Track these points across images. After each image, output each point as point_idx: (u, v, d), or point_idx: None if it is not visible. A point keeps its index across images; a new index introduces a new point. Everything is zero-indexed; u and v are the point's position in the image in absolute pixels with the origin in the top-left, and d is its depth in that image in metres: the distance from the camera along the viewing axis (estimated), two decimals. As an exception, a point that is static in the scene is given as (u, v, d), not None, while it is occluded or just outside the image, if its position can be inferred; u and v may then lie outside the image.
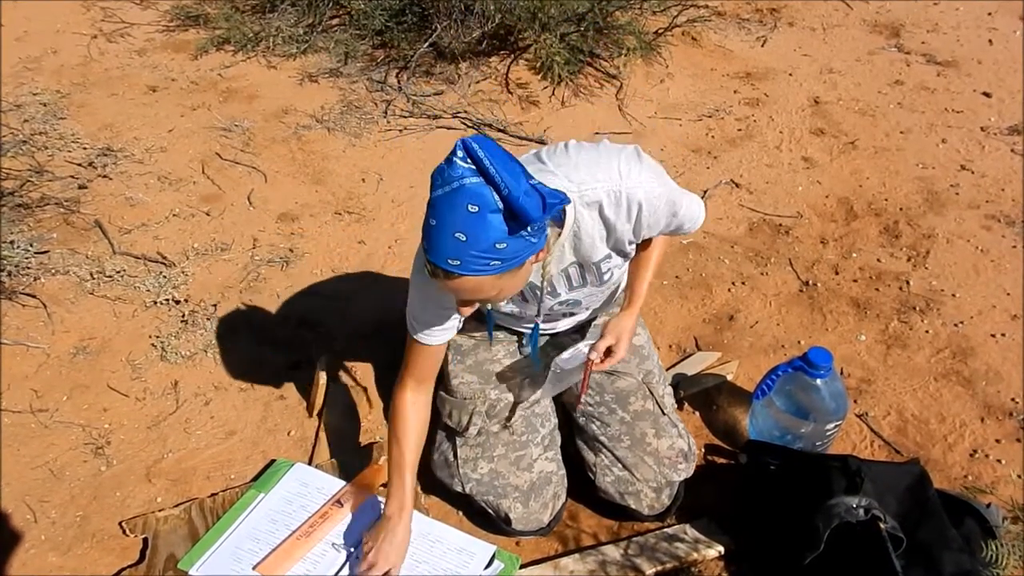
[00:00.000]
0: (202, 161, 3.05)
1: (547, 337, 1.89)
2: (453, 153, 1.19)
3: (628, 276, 1.75)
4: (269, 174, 2.99)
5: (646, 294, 1.73)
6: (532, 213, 1.18)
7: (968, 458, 1.97)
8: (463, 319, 1.60)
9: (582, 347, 1.68)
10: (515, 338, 1.89)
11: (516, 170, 1.19)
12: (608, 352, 1.66)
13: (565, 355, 1.70)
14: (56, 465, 1.95)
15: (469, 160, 1.17)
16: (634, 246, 1.58)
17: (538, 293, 1.60)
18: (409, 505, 1.62)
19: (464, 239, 1.19)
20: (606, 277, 1.61)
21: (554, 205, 1.23)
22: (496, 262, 1.22)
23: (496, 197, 1.17)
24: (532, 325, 1.71)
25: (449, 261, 1.21)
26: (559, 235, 1.43)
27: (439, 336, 1.59)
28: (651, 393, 1.81)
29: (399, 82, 3.50)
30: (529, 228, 1.21)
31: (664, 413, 1.81)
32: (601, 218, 1.46)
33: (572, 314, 1.77)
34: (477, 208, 1.17)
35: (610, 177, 1.41)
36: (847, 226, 2.73)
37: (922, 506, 1.67)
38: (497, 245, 1.20)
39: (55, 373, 2.19)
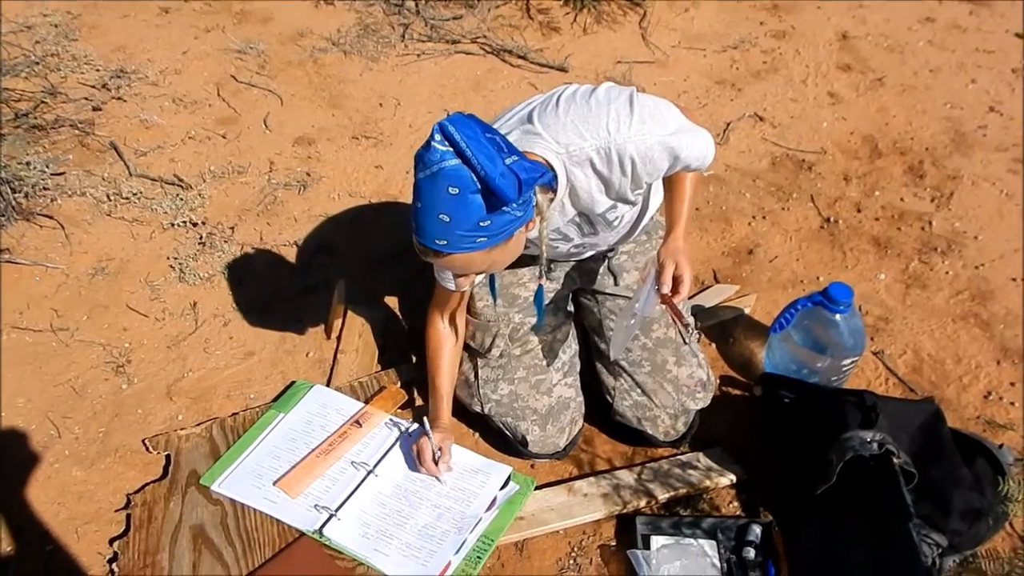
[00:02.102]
0: (217, 83, 3.02)
1: (572, 263, 1.88)
2: (432, 137, 1.20)
3: (665, 199, 1.68)
4: (285, 97, 2.96)
5: (688, 214, 1.62)
6: (508, 194, 1.20)
7: (982, 399, 1.98)
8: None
9: (646, 288, 1.57)
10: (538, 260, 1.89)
11: (491, 152, 1.20)
12: (676, 281, 1.53)
13: (636, 306, 1.59)
14: (78, 383, 1.97)
15: (447, 143, 1.20)
16: (640, 195, 1.56)
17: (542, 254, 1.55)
18: (447, 408, 1.76)
19: (448, 220, 1.22)
20: (615, 224, 1.60)
21: (530, 183, 1.25)
22: (482, 238, 1.25)
23: (475, 178, 1.19)
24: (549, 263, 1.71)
25: (436, 241, 1.26)
26: (551, 200, 1.41)
27: (462, 284, 1.59)
28: (674, 321, 1.81)
29: (417, 5, 3.42)
30: (511, 205, 1.23)
31: (686, 342, 1.82)
32: (595, 173, 1.43)
33: (596, 245, 1.75)
34: (457, 190, 1.20)
35: (598, 135, 1.37)
36: (871, 164, 2.69)
37: (935, 444, 1.68)
38: (481, 223, 1.23)
39: (74, 293, 2.20)
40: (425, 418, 1.72)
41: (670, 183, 1.67)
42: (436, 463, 1.68)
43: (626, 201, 1.53)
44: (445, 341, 1.76)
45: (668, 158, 1.43)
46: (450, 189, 1.20)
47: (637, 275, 1.87)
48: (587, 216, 1.55)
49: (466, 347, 1.85)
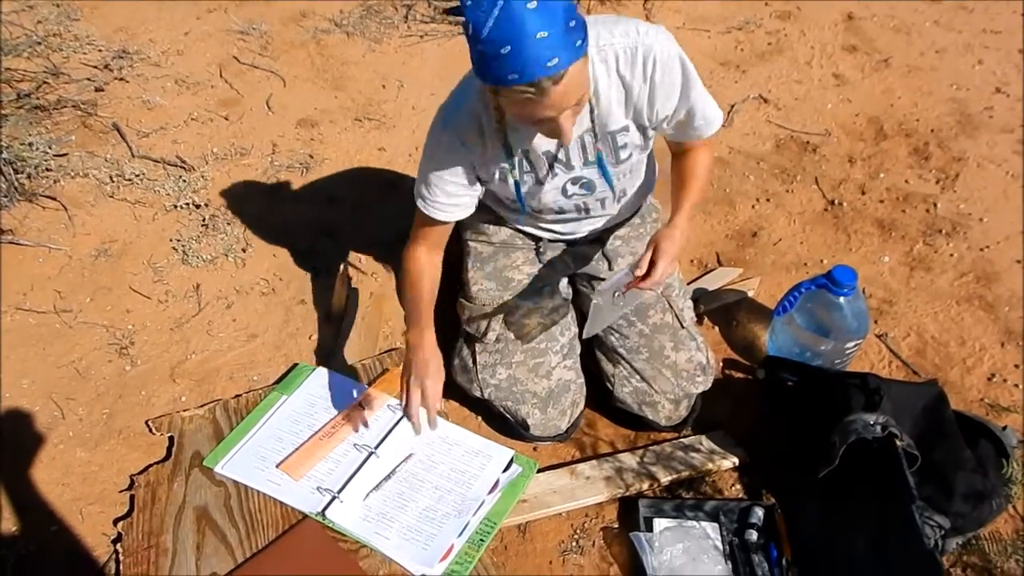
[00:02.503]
0: (219, 64, 3.00)
1: (564, 246, 1.88)
2: None
3: (673, 185, 1.69)
4: (287, 79, 2.94)
5: (691, 208, 1.63)
6: None
7: (986, 382, 1.97)
8: (475, 200, 1.62)
9: (623, 269, 1.61)
10: (533, 244, 1.88)
11: None
12: (651, 267, 1.53)
13: (604, 284, 1.62)
14: (81, 364, 1.98)
15: None
16: (651, 129, 1.57)
17: (551, 157, 1.57)
18: (430, 333, 1.68)
19: (546, 34, 1.19)
20: (622, 155, 1.59)
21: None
22: (579, 41, 1.24)
23: None
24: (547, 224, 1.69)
25: (547, 65, 1.21)
26: None
27: (449, 212, 1.60)
28: (670, 306, 1.81)
29: (420, -14, 3.41)
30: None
31: (683, 326, 1.81)
32: (618, 76, 1.46)
33: (587, 211, 1.72)
34: (535, 3, 1.17)
35: (627, 33, 1.43)
36: (876, 146, 2.68)
37: (938, 426, 1.68)
38: (569, 24, 1.21)
39: (77, 275, 2.21)
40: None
41: (679, 166, 1.67)
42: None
43: (640, 127, 1.55)
44: (426, 270, 1.69)
45: (682, 83, 1.50)
46: (528, 5, 1.17)
47: (632, 259, 1.86)
48: (597, 136, 1.54)
49: (463, 332, 1.85)
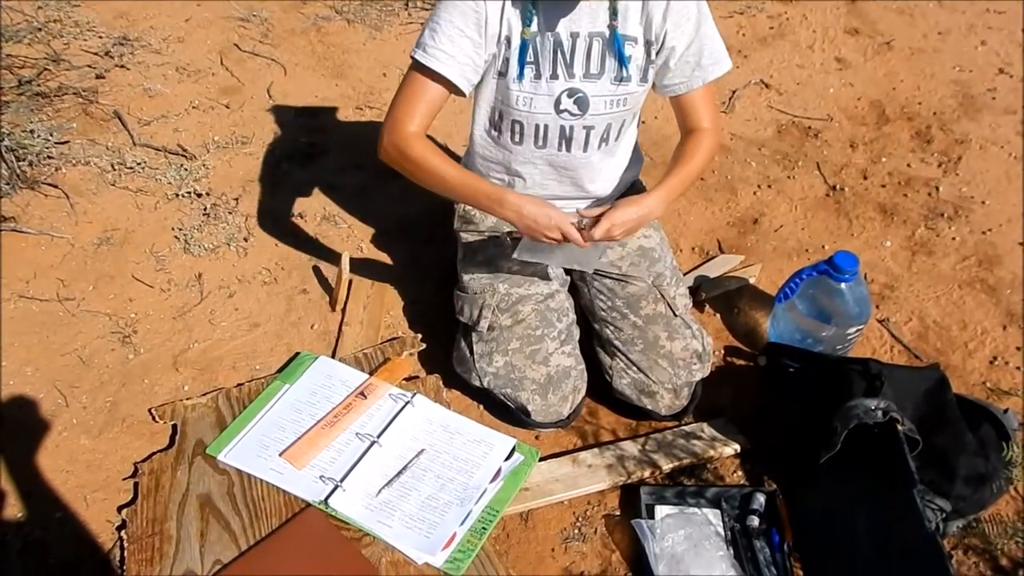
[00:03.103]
0: (220, 52, 3.00)
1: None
2: None
3: (667, 169, 1.70)
4: (288, 67, 2.94)
5: (675, 191, 1.65)
6: None
7: (988, 365, 1.97)
8: (471, 73, 1.59)
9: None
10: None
11: None
12: (596, 223, 1.56)
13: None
14: (85, 353, 1.98)
15: None
16: (656, 53, 1.60)
17: (559, 48, 1.58)
18: (494, 185, 1.67)
19: None
20: (624, 74, 1.60)
21: None
22: None
23: None
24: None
25: None
26: None
27: (447, 65, 1.57)
28: (662, 296, 1.81)
29: (420, -28, 3.39)
30: None
31: (676, 315, 1.81)
32: None
33: (568, 143, 1.70)
34: None
35: None
36: (878, 130, 2.67)
37: (940, 410, 1.68)
38: None
39: (80, 263, 2.21)
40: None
41: (680, 150, 1.70)
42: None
43: (647, 44, 1.59)
44: (428, 146, 1.62)
45: (697, 15, 1.57)
46: None
47: (621, 251, 1.86)
48: (606, 43, 1.57)
49: (460, 323, 1.86)
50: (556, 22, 1.56)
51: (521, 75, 1.61)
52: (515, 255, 1.70)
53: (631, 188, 1.92)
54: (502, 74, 1.62)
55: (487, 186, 1.65)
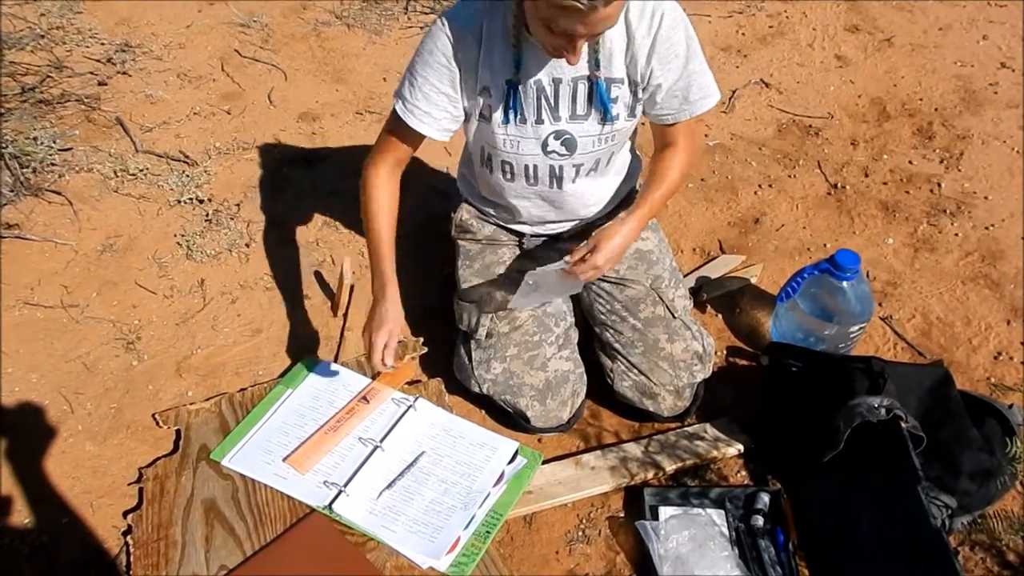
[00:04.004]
0: (221, 58, 3.00)
1: (544, 238, 1.90)
2: None
3: (642, 188, 1.71)
4: (289, 72, 2.94)
5: (653, 210, 1.68)
6: None
7: (992, 360, 1.97)
8: (449, 122, 1.61)
9: (560, 265, 1.64)
10: (517, 240, 1.91)
11: None
12: (584, 260, 1.59)
13: (540, 269, 1.67)
14: (89, 359, 1.99)
15: None
16: (643, 91, 1.58)
17: (543, 95, 1.58)
18: (392, 282, 1.68)
19: None
20: (612, 112, 1.59)
21: None
22: None
23: None
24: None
25: None
26: None
27: (423, 120, 1.59)
28: (660, 299, 1.81)
29: (420, -24, 3.40)
30: None
31: (676, 317, 1.80)
32: (625, 23, 1.49)
33: (559, 181, 1.71)
34: None
35: None
36: (879, 127, 2.66)
37: (944, 406, 1.68)
38: None
39: (83, 270, 2.22)
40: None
41: (653, 167, 1.69)
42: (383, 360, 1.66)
43: (632, 84, 1.57)
44: (384, 196, 1.69)
45: (685, 52, 1.55)
46: None
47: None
48: (591, 85, 1.55)
49: (459, 330, 1.86)
50: (538, 69, 1.54)
51: (506, 119, 1.60)
52: (511, 305, 1.76)
53: (628, 196, 1.92)
54: (485, 118, 1.61)
55: (384, 269, 1.68)
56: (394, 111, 1.62)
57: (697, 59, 1.58)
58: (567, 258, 1.61)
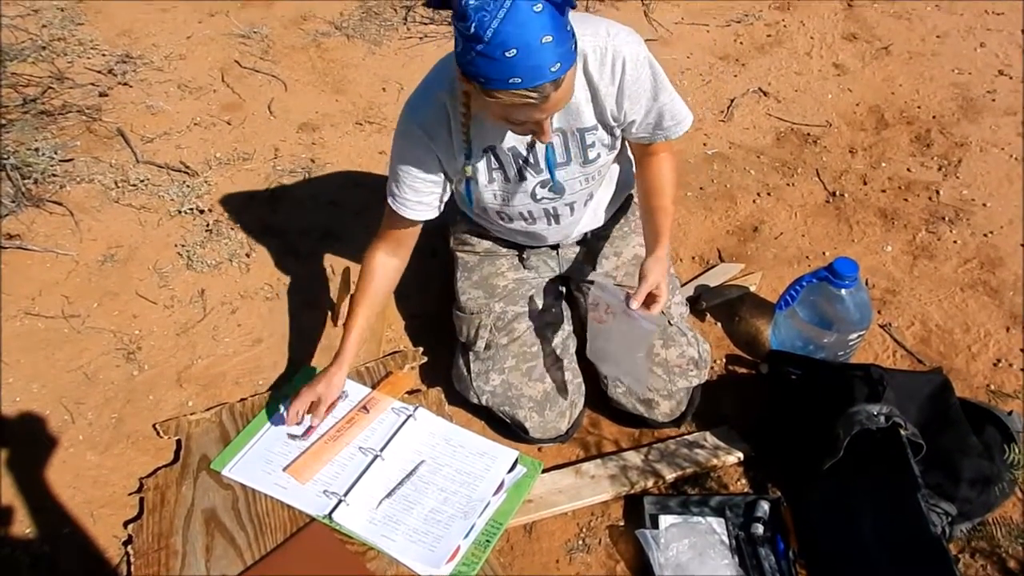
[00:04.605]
0: (221, 69, 3.02)
1: (547, 250, 1.91)
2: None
3: (642, 211, 1.72)
4: (289, 83, 2.96)
5: (669, 229, 1.66)
6: None
7: (991, 367, 1.97)
8: (441, 200, 1.63)
9: (616, 292, 1.61)
10: (516, 251, 1.91)
11: None
12: (651, 298, 1.57)
13: (599, 291, 1.64)
14: (90, 369, 2.00)
15: None
16: (619, 129, 1.58)
17: (520, 158, 1.58)
18: (346, 359, 1.71)
19: (551, 39, 1.19)
20: (591, 155, 1.59)
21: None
22: (573, 44, 1.25)
23: None
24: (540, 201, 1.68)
25: (552, 70, 1.22)
26: None
27: (416, 209, 1.62)
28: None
29: (419, -14, 3.41)
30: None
31: (672, 323, 1.80)
32: (585, 76, 1.46)
33: (556, 217, 1.72)
34: (540, 6, 1.17)
35: (597, 33, 1.44)
36: (877, 135, 2.67)
37: (943, 414, 1.68)
38: (566, 27, 1.23)
39: (84, 280, 2.22)
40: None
41: (646, 181, 1.69)
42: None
43: (607, 127, 1.55)
44: (377, 273, 1.72)
45: (651, 88, 1.51)
46: (535, 8, 1.16)
47: (616, 260, 1.87)
48: (566, 134, 1.55)
49: (458, 342, 1.87)
50: (507, 138, 1.54)
51: (491, 179, 1.61)
52: (589, 355, 1.76)
53: (626, 202, 1.93)
54: (473, 180, 1.61)
55: (346, 344, 1.71)
56: (388, 206, 1.65)
57: (666, 91, 1.55)
58: (631, 304, 1.55)
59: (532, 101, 1.25)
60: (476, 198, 1.67)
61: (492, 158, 1.58)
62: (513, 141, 1.55)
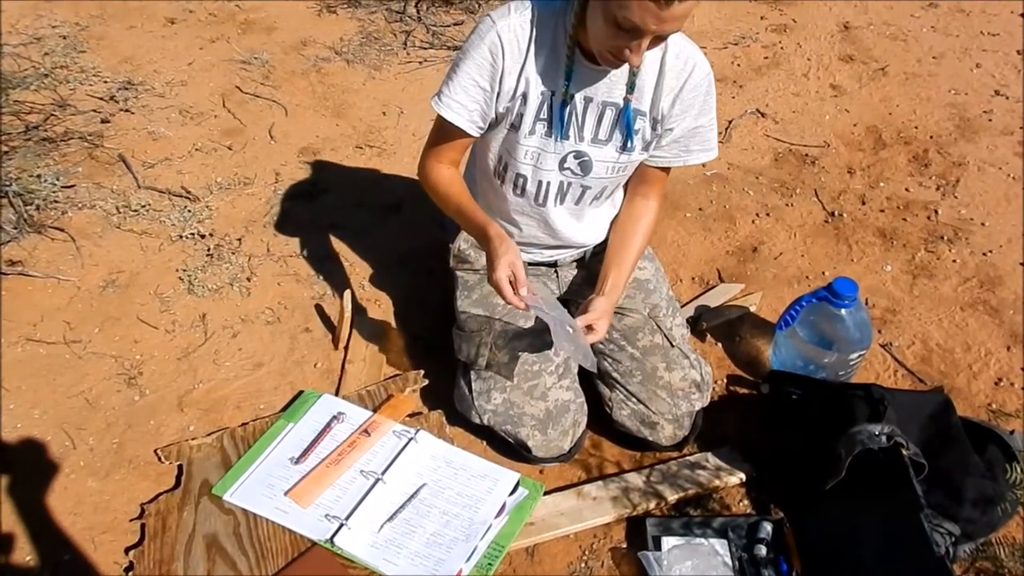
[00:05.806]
0: (222, 95, 3.04)
1: (544, 267, 1.92)
2: None
3: (609, 250, 1.78)
4: (289, 107, 2.98)
5: (625, 285, 1.76)
6: None
7: (993, 386, 1.97)
8: (483, 119, 1.62)
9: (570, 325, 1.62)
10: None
11: None
12: (590, 328, 1.63)
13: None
14: (91, 394, 2.00)
15: None
16: (658, 128, 1.62)
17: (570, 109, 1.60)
18: (491, 223, 1.62)
19: None
20: (629, 145, 1.63)
21: None
22: None
23: None
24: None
25: None
26: None
27: (457, 113, 1.60)
28: (658, 327, 1.82)
29: (418, 12, 3.45)
30: None
31: (674, 345, 1.81)
32: (661, 62, 1.55)
33: (562, 199, 1.74)
34: None
35: (681, 34, 1.52)
36: (875, 155, 2.69)
37: (945, 433, 1.68)
38: None
39: (86, 306, 2.23)
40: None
41: (626, 224, 1.77)
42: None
43: (653, 121, 1.61)
44: (453, 176, 1.72)
45: (703, 104, 1.62)
46: None
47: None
48: (619, 113, 1.59)
49: (459, 361, 1.86)
50: (577, 87, 1.57)
51: (532, 131, 1.63)
52: (555, 347, 1.76)
53: None
54: (515, 127, 1.63)
55: (478, 219, 1.65)
56: (436, 115, 1.65)
57: (710, 115, 1.64)
58: (578, 320, 1.62)
59: (652, 4, 1.28)
60: (508, 148, 1.67)
61: (545, 109, 1.59)
62: (577, 91, 1.57)
